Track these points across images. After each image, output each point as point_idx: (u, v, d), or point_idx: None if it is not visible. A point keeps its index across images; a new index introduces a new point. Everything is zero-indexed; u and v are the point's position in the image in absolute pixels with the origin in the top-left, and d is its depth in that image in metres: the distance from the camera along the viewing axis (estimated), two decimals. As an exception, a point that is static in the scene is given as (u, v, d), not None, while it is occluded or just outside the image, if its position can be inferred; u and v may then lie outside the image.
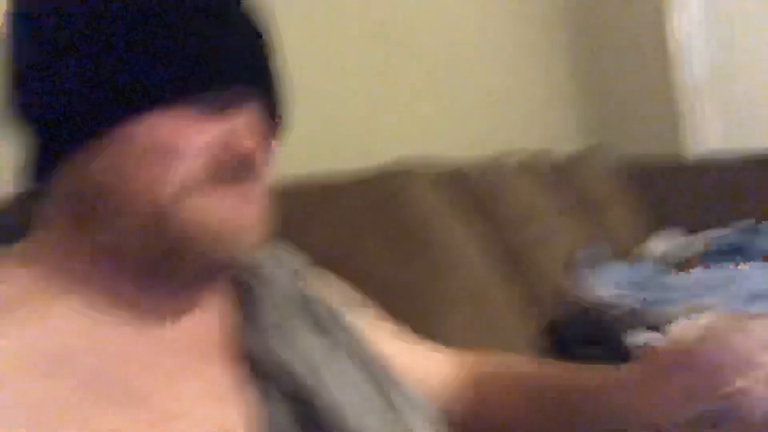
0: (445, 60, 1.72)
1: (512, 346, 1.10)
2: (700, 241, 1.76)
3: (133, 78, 0.42)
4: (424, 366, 0.64)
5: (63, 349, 0.41)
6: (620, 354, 1.09)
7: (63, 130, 0.44)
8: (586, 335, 1.15)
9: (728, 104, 2.26)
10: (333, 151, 1.28)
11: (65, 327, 0.42)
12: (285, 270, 0.59)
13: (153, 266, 0.45)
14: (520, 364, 0.71)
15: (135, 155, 0.42)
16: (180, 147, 0.42)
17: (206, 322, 0.50)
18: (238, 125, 0.45)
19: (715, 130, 2.28)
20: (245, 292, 0.54)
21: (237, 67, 0.45)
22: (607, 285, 1.35)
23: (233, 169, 0.44)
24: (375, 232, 0.98)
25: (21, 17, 0.45)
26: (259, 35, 0.48)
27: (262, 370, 0.49)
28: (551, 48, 2.30)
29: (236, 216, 0.45)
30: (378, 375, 0.54)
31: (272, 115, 0.49)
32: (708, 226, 1.83)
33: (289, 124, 0.53)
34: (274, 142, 0.51)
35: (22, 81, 0.45)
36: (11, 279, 0.43)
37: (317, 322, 0.55)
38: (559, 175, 1.74)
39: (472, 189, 1.32)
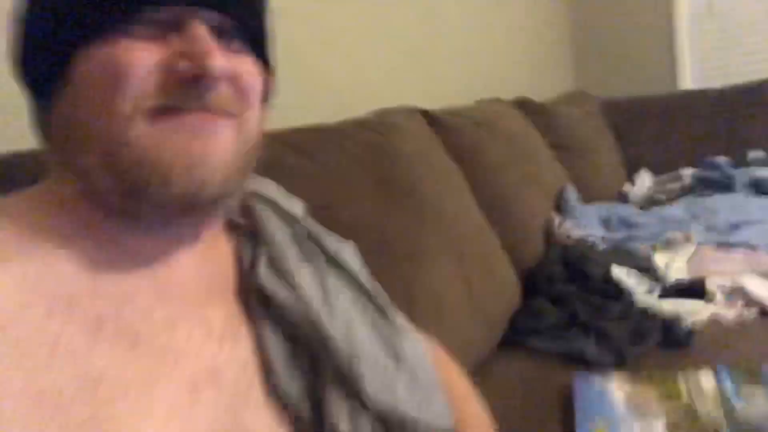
0: (437, 7, 1.69)
1: (499, 291, 1.13)
2: (679, 178, 1.80)
3: (79, 12, 0.43)
4: None
5: (65, 292, 0.41)
6: (595, 291, 1.13)
7: (37, 77, 0.46)
8: (565, 274, 1.18)
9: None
10: (314, 104, 1.27)
11: (67, 271, 0.42)
12: (283, 211, 0.60)
13: (121, 205, 0.45)
14: None
15: (91, 84, 0.43)
16: (128, 68, 0.42)
17: (207, 264, 0.51)
18: (186, 43, 0.43)
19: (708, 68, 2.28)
20: (244, 235, 0.56)
21: None
22: (587, 225, 1.39)
23: (184, 86, 0.43)
24: (363, 178, 0.99)
25: None
26: None
27: (261, 309, 0.51)
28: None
29: (190, 148, 0.43)
30: (377, 315, 0.57)
31: (228, 32, 0.47)
32: (689, 165, 1.87)
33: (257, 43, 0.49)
34: (242, 72, 0.47)
35: (15, 41, 0.47)
36: (11, 226, 0.44)
37: (311, 255, 0.57)
38: (541, 119, 1.75)
39: (457, 133, 1.32)
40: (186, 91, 0.43)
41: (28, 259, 0.41)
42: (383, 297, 0.60)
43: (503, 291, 1.15)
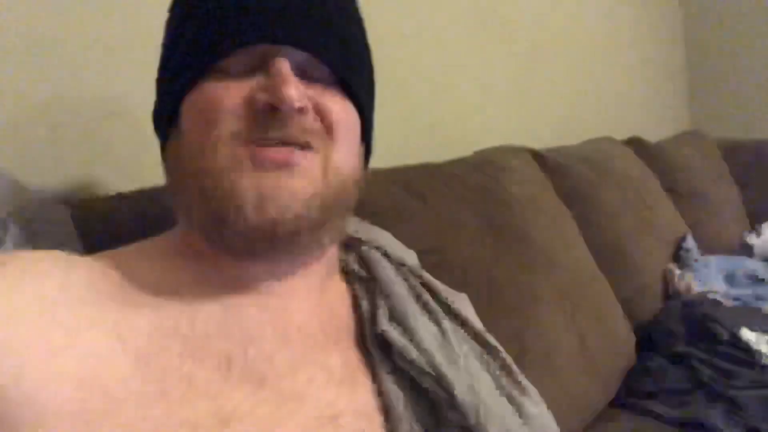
0: (545, 44, 1.66)
1: (613, 345, 1.06)
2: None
3: (184, 63, 0.48)
4: None
5: (198, 333, 0.43)
6: (721, 354, 1.03)
7: (160, 125, 0.52)
8: (686, 332, 1.09)
9: None
10: (421, 142, 1.27)
11: (199, 315, 0.44)
12: (397, 261, 0.59)
13: (216, 237, 0.46)
14: None
15: (189, 124, 0.47)
16: (218, 105, 0.45)
17: (324, 310, 0.52)
18: (267, 77, 0.45)
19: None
20: (361, 280, 0.56)
21: (258, 28, 0.46)
22: (709, 279, 1.28)
23: (261, 117, 0.44)
24: (473, 222, 0.96)
25: None
26: None
27: (381, 358, 0.50)
28: (659, 31, 2.18)
29: (263, 182, 0.44)
30: (493, 366, 0.54)
31: (317, 71, 0.48)
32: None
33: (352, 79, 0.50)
34: (332, 108, 0.48)
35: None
36: (149, 272, 0.47)
37: (429, 308, 0.55)
38: (655, 160, 1.65)
39: (569, 175, 1.27)
40: (264, 122, 0.45)
41: (165, 303, 0.44)
42: (504, 353, 0.57)
43: (618, 346, 1.08)
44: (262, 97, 0.45)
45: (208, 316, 0.45)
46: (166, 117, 0.50)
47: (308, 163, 0.46)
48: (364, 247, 0.59)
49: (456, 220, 0.94)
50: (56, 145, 0.71)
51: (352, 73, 0.51)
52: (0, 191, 0.54)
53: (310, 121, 0.47)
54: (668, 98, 2.29)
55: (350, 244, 0.59)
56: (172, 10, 0.53)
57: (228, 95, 0.45)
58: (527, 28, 1.60)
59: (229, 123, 0.45)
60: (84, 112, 0.74)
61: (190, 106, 0.47)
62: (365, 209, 0.84)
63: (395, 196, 0.92)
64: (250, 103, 0.45)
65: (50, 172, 0.69)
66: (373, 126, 0.56)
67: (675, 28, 2.32)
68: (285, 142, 0.45)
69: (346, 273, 0.57)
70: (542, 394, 0.56)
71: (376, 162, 0.95)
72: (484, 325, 0.60)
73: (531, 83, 1.62)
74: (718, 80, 2.30)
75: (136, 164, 0.76)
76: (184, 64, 0.48)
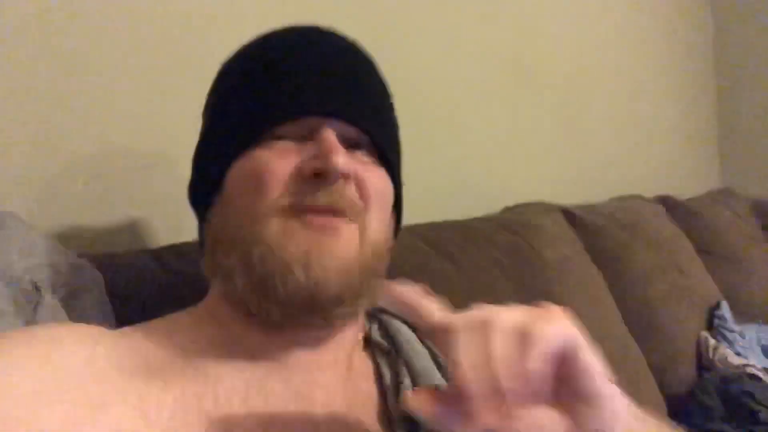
0: (574, 99, 1.66)
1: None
2: None
3: (230, 134, 0.50)
4: None
5: (221, 413, 0.43)
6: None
7: (200, 197, 0.53)
8: (723, 409, 1.04)
9: None
10: (450, 198, 1.26)
11: (222, 394, 0.44)
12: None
13: (256, 306, 0.47)
14: None
15: (238, 192, 0.48)
16: (268, 175, 0.47)
17: (348, 385, 0.51)
18: (315, 146, 0.47)
19: None
20: (383, 351, 0.55)
21: (310, 101, 0.49)
22: (746, 352, 1.23)
23: (309, 182, 0.46)
24: (502, 283, 0.94)
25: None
26: (326, 68, 0.51)
27: None
28: (690, 87, 2.17)
29: (310, 246, 0.45)
30: None
31: (358, 144, 0.51)
32: None
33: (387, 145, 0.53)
34: (372, 179, 0.50)
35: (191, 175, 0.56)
36: (174, 345, 0.47)
37: None
38: (685, 220, 1.62)
39: (600, 235, 1.25)
40: (311, 187, 0.46)
41: (190, 378, 0.44)
42: None
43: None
44: (310, 165, 0.47)
45: (232, 392, 0.45)
46: (210, 186, 0.51)
47: (350, 231, 0.48)
48: (385, 316, 0.58)
49: (486, 283, 0.92)
50: (92, 197, 0.71)
51: (389, 144, 0.54)
52: (36, 249, 0.54)
53: (352, 189, 0.48)
54: (698, 154, 2.26)
55: (372, 312, 0.59)
56: (217, 84, 0.55)
57: (279, 163, 0.47)
58: (557, 83, 1.60)
59: (280, 191, 0.47)
60: (121, 163, 0.75)
61: (239, 172, 0.49)
62: (393, 267, 0.83)
63: (424, 255, 0.91)
64: (299, 171, 0.47)
65: (86, 224, 0.69)
66: (402, 195, 0.57)
67: (707, 83, 2.31)
68: (332, 209, 0.47)
69: (368, 342, 0.57)
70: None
71: (404, 217, 0.95)
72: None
73: (559, 138, 1.61)
74: (751, 136, 2.27)
75: (174, 217, 0.76)
76: (234, 132, 0.50)
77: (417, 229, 0.96)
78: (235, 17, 0.86)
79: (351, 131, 0.50)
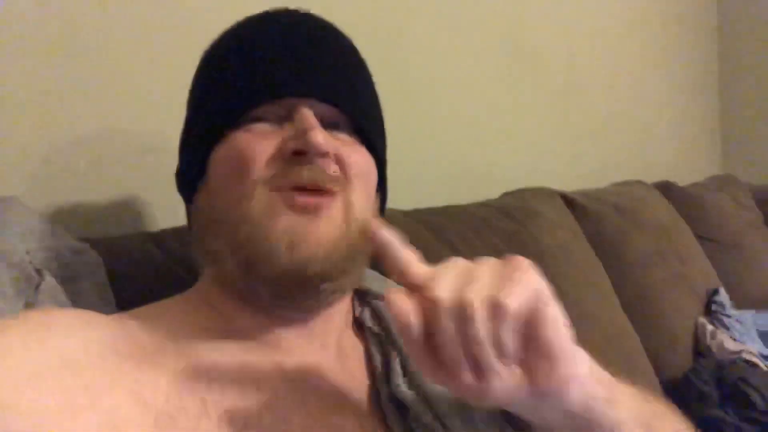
0: (574, 83, 1.64)
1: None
2: None
3: (210, 119, 0.51)
4: None
5: (216, 397, 0.44)
6: (755, 422, 0.99)
7: (186, 183, 0.54)
8: (719, 396, 1.05)
9: None
10: (451, 182, 1.26)
11: (216, 377, 0.45)
12: None
13: (244, 286, 0.48)
14: None
15: (220, 176, 0.49)
16: (250, 157, 0.47)
17: (339, 369, 0.51)
18: (294, 126, 0.48)
19: None
20: (374, 335, 0.55)
21: (286, 82, 0.49)
22: (744, 338, 1.24)
23: (290, 162, 0.47)
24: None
25: None
26: (301, 48, 0.51)
27: (396, 419, 0.49)
28: (690, 73, 2.15)
29: (295, 225, 0.46)
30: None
31: (338, 124, 0.51)
32: None
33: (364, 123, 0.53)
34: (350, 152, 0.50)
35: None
36: (167, 330, 0.47)
37: None
38: (686, 206, 1.62)
39: (600, 222, 1.25)
40: (292, 167, 0.47)
41: (183, 363, 0.45)
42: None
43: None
44: (290, 144, 0.47)
45: (225, 377, 0.45)
46: (195, 171, 0.51)
47: (333, 210, 0.48)
48: (376, 301, 0.58)
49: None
50: (93, 180, 0.71)
51: (369, 123, 0.54)
52: (37, 232, 0.54)
53: (333, 167, 0.49)
54: (700, 140, 2.25)
55: (362, 296, 0.59)
56: (198, 72, 0.56)
57: (259, 144, 0.48)
58: (556, 68, 1.59)
59: (263, 171, 0.47)
60: (122, 145, 0.75)
61: (221, 156, 0.50)
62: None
63: (424, 242, 0.91)
64: (280, 151, 0.48)
65: (89, 204, 0.70)
66: (386, 174, 0.58)
67: (709, 68, 2.29)
68: (315, 186, 0.47)
69: (358, 325, 0.57)
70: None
71: (404, 202, 0.95)
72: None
73: (560, 123, 1.60)
74: (753, 123, 2.25)
75: (175, 199, 0.76)
76: (213, 118, 0.51)
77: (416, 215, 0.96)
78: (239, 2, 0.85)
79: (329, 111, 0.50)
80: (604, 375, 0.43)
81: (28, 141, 0.68)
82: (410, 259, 0.39)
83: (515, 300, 0.36)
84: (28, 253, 0.51)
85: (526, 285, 0.37)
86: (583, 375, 0.39)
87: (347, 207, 0.49)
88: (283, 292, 0.47)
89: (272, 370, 0.47)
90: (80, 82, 0.71)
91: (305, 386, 0.48)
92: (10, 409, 0.36)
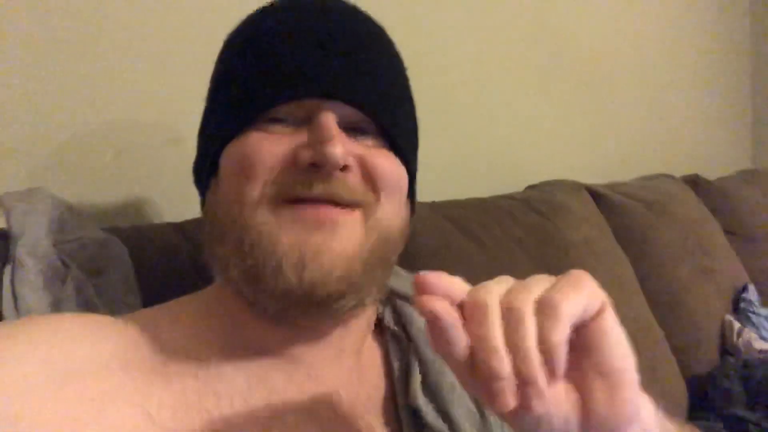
0: (600, 75, 1.61)
1: (665, 400, 1.01)
2: None
3: (225, 116, 0.47)
4: None
5: (223, 413, 0.42)
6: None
7: (199, 180, 0.51)
8: (745, 395, 1.03)
9: None
10: (477, 175, 1.24)
11: (224, 390, 0.43)
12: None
13: (251, 297, 0.44)
14: None
15: (228, 177, 0.45)
16: (257, 159, 0.43)
17: (354, 377, 0.49)
18: (311, 132, 0.44)
19: None
20: (395, 337, 0.53)
21: (307, 82, 0.45)
22: (773, 335, 1.21)
23: (304, 174, 0.43)
24: (526, 265, 0.93)
25: None
26: (326, 43, 0.46)
27: (413, 427, 0.47)
28: (726, 69, 2.10)
29: (305, 242, 0.42)
30: None
31: (362, 128, 0.47)
32: None
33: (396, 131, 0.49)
34: (376, 163, 0.46)
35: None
36: (179, 335, 0.45)
37: None
38: (714, 201, 1.58)
39: (626, 216, 1.23)
40: (307, 178, 0.43)
41: (192, 373, 0.43)
42: None
43: (669, 401, 1.03)
44: (306, 155, 0.43)
45: (234, 390, 0.43)
46: (207, 166, 0.48)
47: (351, 223, 0.44)
48: (399, 301, 0.56)
49: (510, 263, 0.91)
50: (119, 171, 0.71)
51: (398, 128, 0.49)
52: (64, 224, 0.54)
53: (355, 179, 0.45)
54: (729, 133, 2.19)
55: (386, 296, 0.56)
56: (219, 61, 0.52)
57: (270, 148, 0.44)
58: (582, 59, 1.55)
59: (269, 178, 0.43)
60: (148, 137, 0.75)
61: (230, 154, 0.46)
62: (417, 246, 0.83)
63: (447, 234, 0.90)
64: (292, 159, 0.44)
65: (113, 197, 0.70)
66: (416, 179, 0.53)
67: (741, 60, 2.23)
68: (328, 200, 0.43)
69: (380, 326, 0.54)
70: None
71: (425, 195, 0.94)
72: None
73: (586, 115, 1.57)
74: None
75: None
76: (229, 113, 0.47)
77: (440, 207, 0.95)
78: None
79: (354, 114, 0.46)
80: (665, 421, 0.39)
81: (55, 133, 0.68)
82: (459, 287, 0.35)
83: (570, 302, 0.32)
84: (55, 245, 0.51)
85: (583, 289, 0.33)
86: (645, 412, 0.35)
87: (369, 217, 0.45)
88: (290, 309, 0.44)
89: (282, 383, 0.45)
90: (104, 74, 0.71)
91: (317, 399, 0.46)
92: (11, 420, 0.35)
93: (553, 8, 1.45)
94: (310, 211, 0.43)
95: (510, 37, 1.34)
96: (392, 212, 0.47)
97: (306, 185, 0.43)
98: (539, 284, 0.34)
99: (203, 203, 0.51)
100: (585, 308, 0.33)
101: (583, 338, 0.33)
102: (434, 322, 0.33)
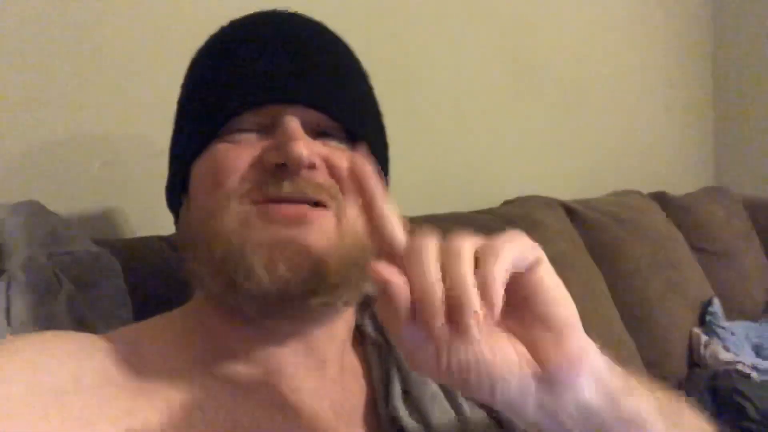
0: (572, 94, 1.66)
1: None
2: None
3: (192, 131, 0.48)
4: None
5: (210, 423, 0.42)
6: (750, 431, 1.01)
7: (172, 200, 0.51)
8: (713, 406, 1.07)
9: None
10: (451, 190, 1.27)
11: (208, 407, 0.43)
12: None
13: (231, 304, 0.45)
14: None
15: (198, 189, 0.46)
16: (226, 168, 0.44)
17: (335, 389, 0.49)
18: (275, 136, 0.45)
19: None
20: (375, 345, 0.53)
21: (266, 89, 0.46)
22: (737, 348, 1.26)
23: (269, 175, 0.43)
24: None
25: None
26: (286, 51, 0.48)
27: None
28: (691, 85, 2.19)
29: (273, 241, 0.42)
30: None
31: (329, 132, 0.48)
32: None
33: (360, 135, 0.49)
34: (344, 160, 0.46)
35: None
36: (158, 356, 0.45)
37: (447, 388, 0.52)
38: (680, 217, 1.64)
39: (599, 231, 1.26)
40: (274, 179, 0.43)
41: (177, 391, 0.43)
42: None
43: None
44: (272, 156, 0.44)
45: (218, 404, 0.43)
46: (178, 185, 0.49)
47: (322, 220, 0.44)
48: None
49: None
50: (108, 182, 0.71)
51: (364, 128, 0.50)
52: (57, 237, 0.54)
53: (322, 177, 0.45)
54: (694, 153, 2.28)
55: (366, 303, 0.55)
56: (183, 85, 0.53)
57: (238, 156, 0.45)
58: (556, 79, 1.60)
59: (238, 182, 0.44)
60: (137, 148, 0.75)
61: (199, 169, 0.47)
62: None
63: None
64: (259, 163, 0.44)
65: (102, 209, 0.70)
66: (388, 181, 0.54)
67: (705, 82, 2.32)
68: (297, 199, 0.44)
69: (360, 334, 0.55)
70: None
71: (403, 210, 0.95)
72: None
73: (557, 133, 1.62)
74: (746, 136, 2.29)
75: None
76: (195, 129, 0.48)
77: (420, 222, 0.96)
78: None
79: (318, 118, 0.47)
80: (615, 366, 0.39)
81: (43, 143, 0.68)
82: (396, 227, 0.35)
83: (508, 246, 0.33)
84: (49, 258, 0.51)
85: (519, 240, 0.35)
86: (594, 355, 0.36)
87: (340, 217, 0.45)
88: (269, 311, 0.44)
89: (266, 397, 0.45)
90: (93, 84, 0.72)
91: (300, 413, 0.46)
92: None
93: (527, 29, 1.50)
94: (281, 208, 0.43)
95: (487, 57, 1.38)
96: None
97: (274, 185, 0.43)
98: (476, 238, 0.35)
99: (177, 222, 0.52)
100: (521, 256, 0.34)
101: (522, 289, 0.35)
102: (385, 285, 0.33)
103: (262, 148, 0.45)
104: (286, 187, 0.43)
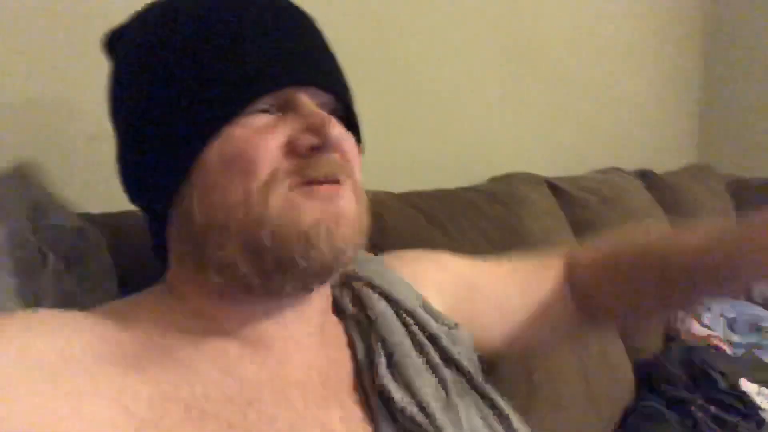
0: (557, 72, 1.66)
1: (614, 383, 1.07)
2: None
3: (194, 117, 0.46)
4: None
5: (199, 402, 0.43)
6: (720, 403, 1.05)
7: (156, 191, 0.48)
8: (686, 378, 1.10)
9: None
10: (439, 165, 1.27)
11: (199, 379, 0.44)
12: (394, 297, 0.57)
13: (264, 287, 0.46)
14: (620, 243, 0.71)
15: (221, 178, 0.45)
16: (257, 154, 0.44)
17: (322, 359, 0.51)
18: (304, 118, 0.46)
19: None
20: (355, 321, 0.55)
21: (287, 72, 0.47)
22: (711, 324, 1.29)
23: (307, 157, 0.45)
24: (491, 253, 0.97)
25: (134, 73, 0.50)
26: (298, 36, 0.49)
27: (381, 409, 0.49)
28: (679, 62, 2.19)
29: (326, 214, 0.44)
30: (488, 409, 0.54)
31: (332, 110, 0.50)
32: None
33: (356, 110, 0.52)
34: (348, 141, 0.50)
35: (126, 169, 0.51)
36: (143, 332, 0.45)
37: (431, 359, 0.54)
38: (663, 194, 1.66)
39: (582, 208, 1.28)
40: (308, 161, 0.45)
41: (164, 365, 0.44)
42: (504, 404, 0.56)
43: (619, 384, 1.09)
44: (306, 139, 0.45)
45: (207, 377, 0.44)
46: (172, 176, 0.46)
47: (348, 193, 0.47)
48: (357, 284, 0.57)
49: (474, 252, 0.95)
50: (94, 155, 0.70)
51: (354, 112, 0.53)
52: (44, 210, 0.54)
53: (340, 157, 0.48)
54: (677, 130, 2.30)
55: (344, 279, 0.58)
56: (161, 62, 0.47)
57: (264, 140, 0.45)
58: (543, 57, 1.60)
59: (273, 168, 0.44)
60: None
61: (216, 155, 0.45)
62: (388, 234, 0.85)
63: (415, 224, 0.93)
64: (290, 148, 0.45)
65: (87, 182, 0.69)
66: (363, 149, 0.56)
67: (692, 59, 2.33)
68: (334, 179, 0.46)
69: (339, 310, 0.56)
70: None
71: (393, 186, 0.96)
72: (496, 364, 0.59)
73: (544, 110, 1.62)
74: (730, 115, 2.31)
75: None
76: (198, 113, 0.45)
77: (408, 198, 0.97)
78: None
79: (324, 98, 0.49)
80: None
81: (26, 115, 0.67)
82: None
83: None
84: (35, 232, 0.51)
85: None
86: None
87: (355, 191, 0.48)
88: (310, 283, 0.47)
89: (254, 367, 0.47)
90: (77, 54, 0.70)
91: (289, 382, 0.47)
92: None
93: (516, 7, 1.49)
94: (322, 189, 0.45)
95: (476, 35, 1.37)
96: (361, 187, 0.50)
97: (313, 168, 0.45)
98: None
99: (155, 219, 0.50)
100: None
101: None
102: None
103: (286, 134, 0.45)
104: (323, 168, 0.45)
